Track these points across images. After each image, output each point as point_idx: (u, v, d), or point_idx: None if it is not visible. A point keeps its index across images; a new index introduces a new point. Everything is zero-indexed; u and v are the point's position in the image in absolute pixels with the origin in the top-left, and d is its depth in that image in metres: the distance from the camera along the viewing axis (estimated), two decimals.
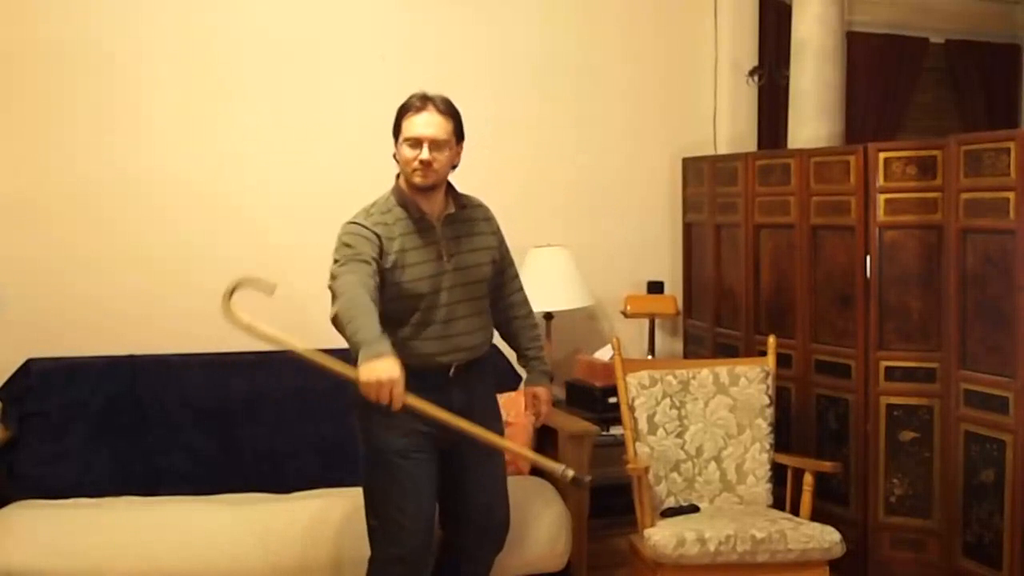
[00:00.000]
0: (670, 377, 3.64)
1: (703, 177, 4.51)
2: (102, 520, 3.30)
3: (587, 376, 4.32)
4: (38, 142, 3.89)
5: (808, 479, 3.43)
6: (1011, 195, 3.24)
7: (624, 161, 4.66)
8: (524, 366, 3.16)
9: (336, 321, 2.59)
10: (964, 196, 3.43)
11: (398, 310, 2.80)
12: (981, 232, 3.40)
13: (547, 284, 4.21)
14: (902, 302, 3.70)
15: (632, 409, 3.59)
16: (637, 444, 3.55)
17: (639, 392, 3.60)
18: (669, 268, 4.71)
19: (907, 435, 3.69)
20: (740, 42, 4.78)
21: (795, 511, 3.43)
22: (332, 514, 3.35)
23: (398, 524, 2.84)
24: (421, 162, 2.77)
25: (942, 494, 3.60)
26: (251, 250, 4.07)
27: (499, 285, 3.07)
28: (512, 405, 3.63)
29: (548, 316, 4.33)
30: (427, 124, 2.77)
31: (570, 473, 2.73)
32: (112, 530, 3.24)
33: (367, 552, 3.08)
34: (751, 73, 4.75)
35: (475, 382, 2.95)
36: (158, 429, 3.67)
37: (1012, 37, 5.65)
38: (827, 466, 3.48)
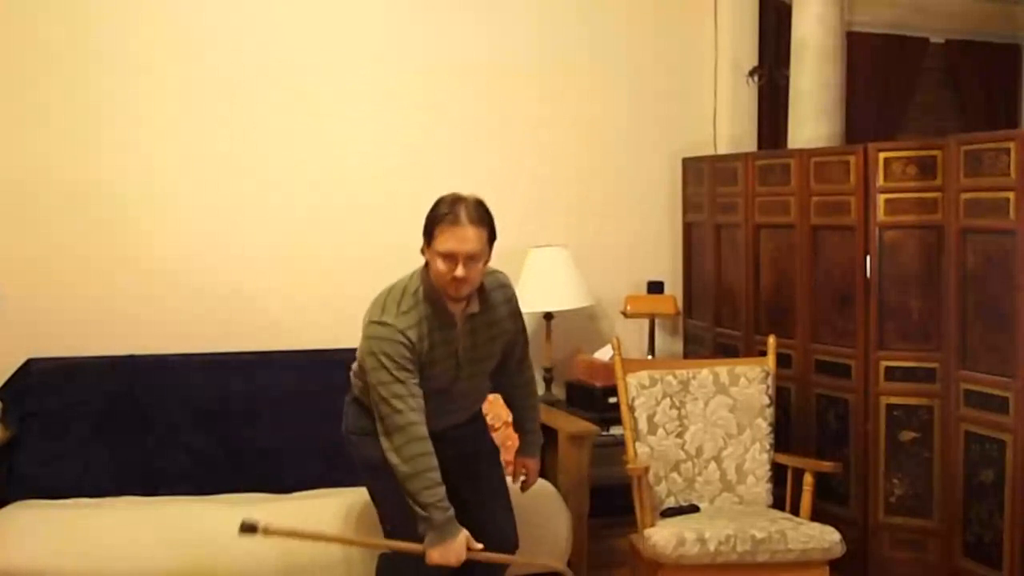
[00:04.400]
0: (670, 377, 3.64)
1: (703, 177, 4.51)
2: (102, 520, 3.29)
3: (587, 376, 4.31)
4: (38, 142, 3.88)
5: (808, 479, 3.43)
6: (1011, 195, 3.24)
7: (624, 161, 4.66)
8: (520, 437, 3.20)
9: (396, 467, 2.65)
10: (964, 196, 3.43)
11: None
12: (981, 232, 3.39)
13: (547, 284, 4.22)
14: (902, 302, 3.69)
15: (632, 409, 3.59)
16: (637, 444, 3.55)
17: (639, 392, 3.60)
18: (669, 268, 4.71)
19: (907, 435, 3.69)
20: (740, 42, 4.78)
21: (795, 511, 3.44)
22: (332, 514, 3.35)
23: (413, 524, 2.76)
24: (455, 279, 2.68)
25: (942, 494, 3.60)
26: (251, 251, 4.08)
27: (510, 360, 3.03)
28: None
29: (548, 316, 4.32)
30: (463, 240, 2.65)
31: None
32: (112, 530, 3.23)
33: (368, 551, 3.09)
34: (751, 73, 4.75)
35: (466, 424, 3.03)
36: (158, 429, 3.67)
37: (1012, 37, 5.65)
38: (827, 466, 3.48)
